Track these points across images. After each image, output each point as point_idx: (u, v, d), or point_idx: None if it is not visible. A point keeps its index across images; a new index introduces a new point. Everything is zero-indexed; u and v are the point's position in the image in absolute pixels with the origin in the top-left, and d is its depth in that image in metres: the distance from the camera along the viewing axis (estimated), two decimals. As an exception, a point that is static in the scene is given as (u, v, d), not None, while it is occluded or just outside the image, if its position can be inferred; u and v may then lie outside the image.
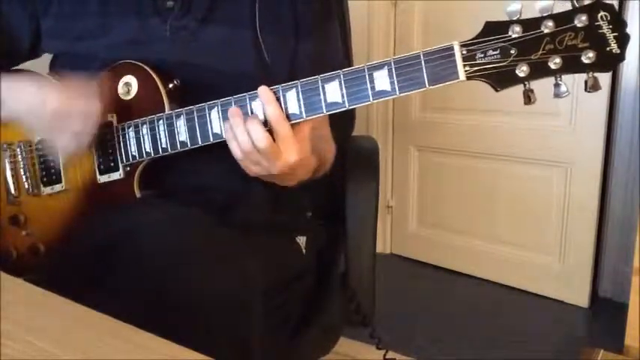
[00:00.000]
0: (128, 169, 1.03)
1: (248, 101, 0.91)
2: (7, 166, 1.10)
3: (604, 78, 0.78)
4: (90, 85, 1.00)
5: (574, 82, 0.81)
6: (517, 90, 0.82)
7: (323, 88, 0.87)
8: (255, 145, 0.88)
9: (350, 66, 0.87)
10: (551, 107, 2.34)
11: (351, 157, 1.24)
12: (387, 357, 1.27)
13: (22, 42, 1.13)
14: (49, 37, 1.11)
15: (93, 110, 0.97)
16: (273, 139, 0.89)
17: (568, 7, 0.76)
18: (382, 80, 0.83)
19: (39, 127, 1.04)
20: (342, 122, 1.17)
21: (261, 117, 0.90)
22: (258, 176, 0.94)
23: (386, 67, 0.83)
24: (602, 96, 2.23)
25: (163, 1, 1.06)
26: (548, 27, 0.77)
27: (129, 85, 1.02)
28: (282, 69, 1.06)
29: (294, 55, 1.09)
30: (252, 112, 0.91)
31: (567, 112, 2.33)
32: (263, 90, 0.89)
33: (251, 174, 0.94)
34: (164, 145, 0.98)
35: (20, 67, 1.19)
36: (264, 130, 0.88)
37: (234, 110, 0.91)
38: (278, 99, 0.89)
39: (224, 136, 0.93)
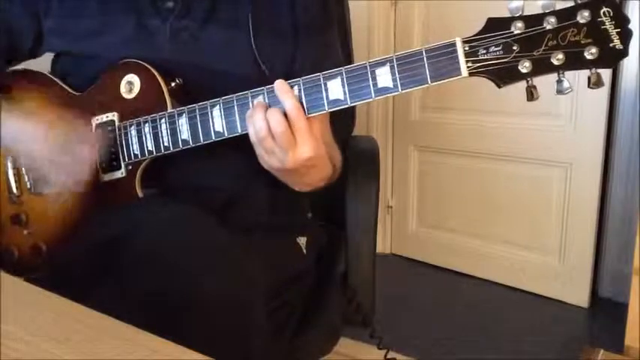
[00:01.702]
0: (130, 167, 1.03)
1: (250, 99, 0.91)
2: (9, 165, 1.10)
3: (604, 78, 0.78)
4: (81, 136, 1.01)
5: (574, 81, 0.80)
6: (517, 90, 0.82)
7: (325, 85, 0.87)
8: (271, 129, 0.88)
9: (350, 66, 0.87)
10: (552, 107, 2.34)
11: (351, 157, 1.23)
12: (387, 357, 1.27)
13: (23, 41, 1.14)
14: (50, 37, 1.12)
15: (82, 168, 1.00)
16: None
17: (570, 3, 0.76)
18: (384, 77, 0.83)
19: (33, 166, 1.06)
20: (342, 122, 1.17)
21: None
22: (270, 170, 0.94)
23: (388, 63, 0.83)
24: (602, 96, 2.23)
25: (163, 1, 1.06)
26: (550, 23, 0.77)
27: (131, 84, 1.02)
28: (279, 72, 1.06)
29: (292, 58, 1.09)
30: None
31: (567, 112, 2.33)
32: (280, 83, 0.89)
33: (265, 166, 0.93)
34: (166, 144, 0.98)
35: (23, 65, 1.19)
36: (283, 116, 0.88)
37: (260, 101, 0.91)
38: None
39: (226, 133, 0.93)
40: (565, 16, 0.77)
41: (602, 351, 1.80)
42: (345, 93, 0.86)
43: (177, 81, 1.02)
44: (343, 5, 1.31)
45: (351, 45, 1.37)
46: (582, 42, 0.76)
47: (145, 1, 1.06)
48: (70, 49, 1.11)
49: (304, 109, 0.88)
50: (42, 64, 1.17)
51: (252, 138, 0.91)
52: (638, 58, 2.12)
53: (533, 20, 0.78)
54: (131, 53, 1.03)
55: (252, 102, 0.91)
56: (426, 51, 0.81)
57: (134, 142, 1.01)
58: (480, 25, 0.81)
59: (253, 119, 0.89)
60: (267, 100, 0.91)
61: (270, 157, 0.91)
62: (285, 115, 0.88)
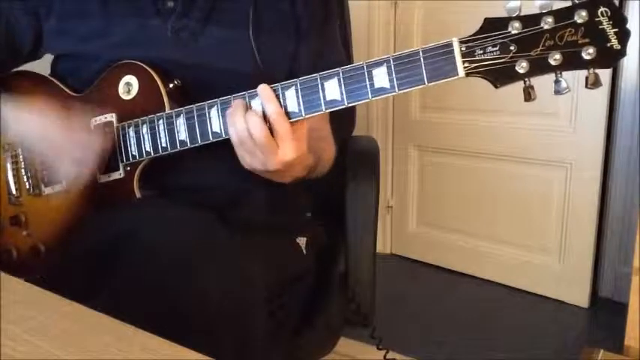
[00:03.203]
0: (128, 168, 1.03)
1: (247, 99, 0.91)
2: (9, 166, 1.11)
3: (604, 78, 0.78)
4: (87, 132, 1.01)
5: (574, 81, 0.80)
6: (517, 90, 0.81)
7: (322, 85, 0.87)
8: (251, 133, 0.88)
9: (350, 67, 0.87)
10: (551, 107, 2.34)
11: (351, 157, 1.24)
12: (387, 357, 1.27)
13: (23, 43, 1.14)
14: (50, 38, 1.12)
15: (88, 159, 1.00)
16: (272, 136, 0.89)
17: (568, 3, 0.76)
18: (381, 77, 0.83)
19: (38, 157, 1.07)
20: (342, 122, 1.17)
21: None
22: (252, 170, 0.94)
23: (385, 64, 0.83)
24: (602, 96, 2.23)
25: (164, 1, 1.06)
26: (547, 23, 0.76)
27: (129, 85, 1.02)
28: (280, 71, 1.06)
29: (293, 57, 1.09)
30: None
31: (567, 112, 2.33)
32: (263, 88, 0.89)
33: (245, 166, 0.93)
34: (164, 145, 0.98)
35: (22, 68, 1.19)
36: (262, 121, 0.88)
37: (239, 101, 0.91)
38: (277, 97, 0.89)
39: (223, 134, 0.93)
40: (562, 16, 0.76)
41: (602, 351, 1.80)
42: (342, 93, 0.86)
43: (176, 82, 1.02)
44: (343, 4, 1.32)
45: (351, 44, 1.37)
46: (580, 42, 0.76)
47: (145, 2, 1.06)
48: (71, 49, 1.11)
49: (301, 110, 0.89)
50: (42, 65, 1.17)
51: (234, 139, 0.91)
52: (637, 58, 2.13)
53: (530, 20, 0.77)
54: (132, 53, 1.04)
55: (250, 103, 0.91)
56: (422, 51, 0.81)
57: (132, 142, 1.01)
58: (479, 25, 0.80)
59: (234, 120, 0.90)
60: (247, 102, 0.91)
61: (252, 159, 0.91)
62: (267, 118, 0.88)
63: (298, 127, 0.90)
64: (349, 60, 1.33)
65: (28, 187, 1.10)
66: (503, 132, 2.53)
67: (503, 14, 0.79)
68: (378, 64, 0.83)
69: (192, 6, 1.05)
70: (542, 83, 0.80)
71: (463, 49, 0.79)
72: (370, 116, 2.86)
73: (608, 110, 2.29)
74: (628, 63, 2.23)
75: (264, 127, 0.88)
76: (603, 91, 2.20)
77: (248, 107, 0.90)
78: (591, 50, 0.76)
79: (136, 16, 1.07)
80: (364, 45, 2.74)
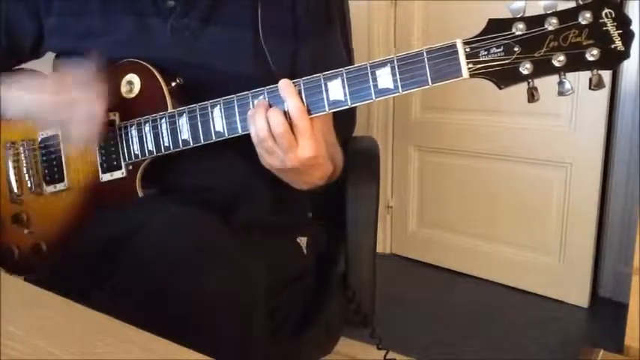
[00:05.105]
0: (130, 167, 1.03)
1: (250, 99, 0.91)
2: (10, 165, 1.11)
3: (604, 78, 0.78)
4: (87, 74, 0.98)
5: (575, 81, 0.80)
6: (517, 90, 0.81)
7: (325, 86, 0.87)
8: (272, 130, 0.87)
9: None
10: (552, 107, 2.34)
11: (351, 157, 1.23)
12: (387, 357, 1.27)
13: (24, 41, 1.14)
14: (51, 36, 1.12)
15: (94, 96, 0.96)
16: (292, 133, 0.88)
17: (572, 4, 0.76)
18: (385, 78, 0.83)
19: (46, 121, 1.05)
20: (343, 121, 1.17)
21: None
22: (271, 169, 0.93)
23: (389, 64, 0.83)
24: (603, 96, 2.23)
25: (164, 0, 1.06)
26: (552, 24, 0.76)
27: (131, 84, 1.02)
28: (283, 71, 1.06)
29: (294, 57, 1.09)
30: None
31: (567, 112, 2.33)
32: (284, 83, 0.89)
33: (266, 166, 0.93)
34: (166, 144, 0.98)
35: (22, 66, 1.19)
36: (284, 118, 0.87)
37: (262, 101, 0.90)
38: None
39: (226, 133, 0.93)
40: (566, 17, 0.76)
41: (602, 351, 1.80)
42: (345, 94, 0.86)
43: (178, 81, 1.02)
44: (344, 4, 1.31)
45: (352, 44, 1.37)
46: (584, 43, 0.76)
47: (145, 1, 1.06)
48: (71, 48, 1.10)
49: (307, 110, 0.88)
50: (43, 64, 1.17)
51: (254, 138, 0.90)
52: (638, 58, 2.12)
53: (534, 21, 0.77)
54: (132, 53, 1.03)
55: (253, 102, 0.91)
56: (426, 52, 0.81)
57: (134, 142, 1.01)
58: (480, 24, 0.80)
59: (254, 119, 0.89)
60: (267, 101, 0.91)
61: (270, 157, 0.91)
62: (287, 115, 0.88)
63: (314, 126, 0.89)
64: (350, 62, 1.32)
65: (29, 185, 1.10)
66: (503, 132, 2.53)
67: (507, 15, 0.78)
68: (382, 64, 0.83)
69: (193, 6, 1.05)
70: (543, 83, 0.80)
71: (467, 50, 0.79)
72: (370, 116, 2.86)
73: (608, 110, 2.29)
74: (628, 64, 2.23)
75: (286, 123, 0.87)
76: (603, 92, 2.20)
77: (269, 106, 0.89)
78: (595, 51, 0.76)
79: (135, 15, 1.07)
80: (364, 45, 2.74)
